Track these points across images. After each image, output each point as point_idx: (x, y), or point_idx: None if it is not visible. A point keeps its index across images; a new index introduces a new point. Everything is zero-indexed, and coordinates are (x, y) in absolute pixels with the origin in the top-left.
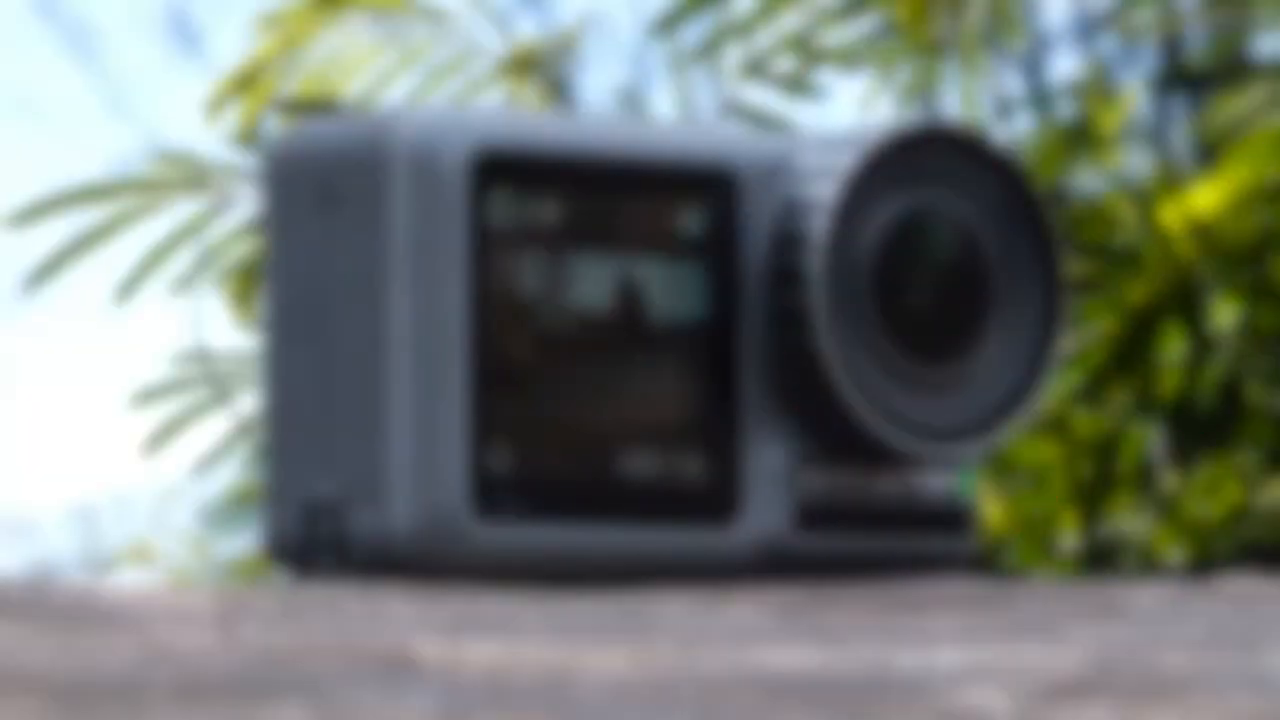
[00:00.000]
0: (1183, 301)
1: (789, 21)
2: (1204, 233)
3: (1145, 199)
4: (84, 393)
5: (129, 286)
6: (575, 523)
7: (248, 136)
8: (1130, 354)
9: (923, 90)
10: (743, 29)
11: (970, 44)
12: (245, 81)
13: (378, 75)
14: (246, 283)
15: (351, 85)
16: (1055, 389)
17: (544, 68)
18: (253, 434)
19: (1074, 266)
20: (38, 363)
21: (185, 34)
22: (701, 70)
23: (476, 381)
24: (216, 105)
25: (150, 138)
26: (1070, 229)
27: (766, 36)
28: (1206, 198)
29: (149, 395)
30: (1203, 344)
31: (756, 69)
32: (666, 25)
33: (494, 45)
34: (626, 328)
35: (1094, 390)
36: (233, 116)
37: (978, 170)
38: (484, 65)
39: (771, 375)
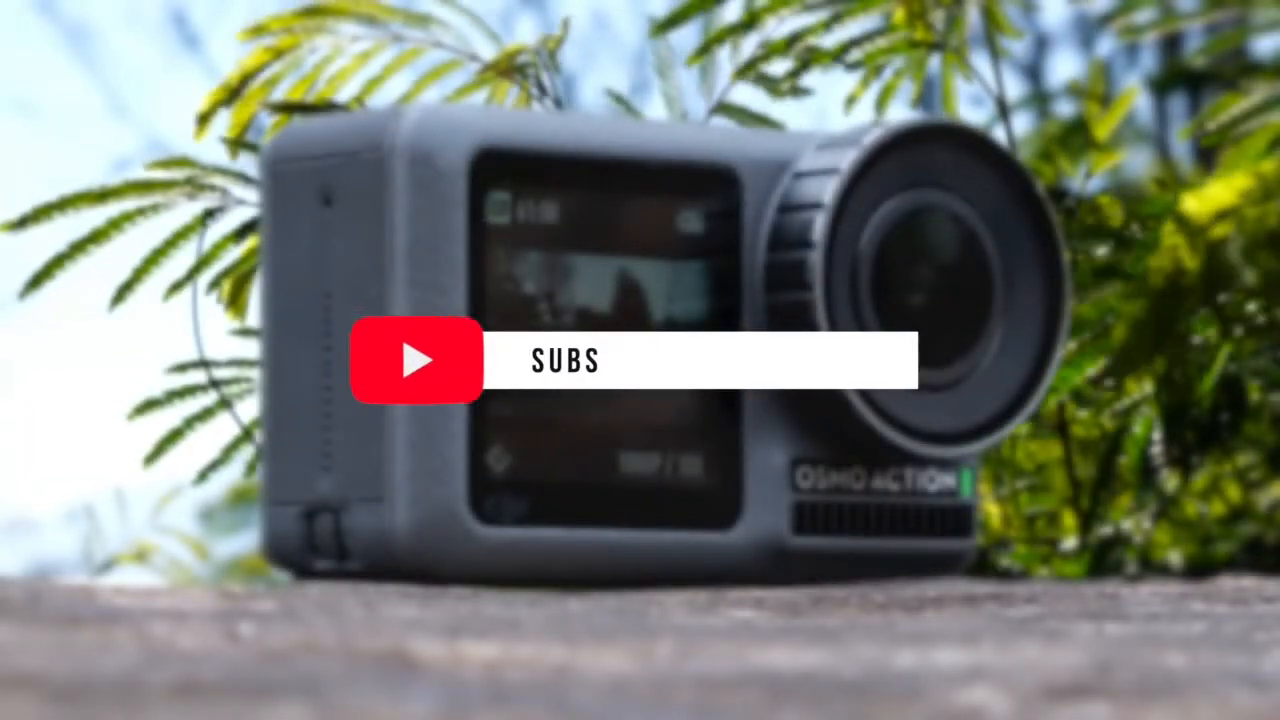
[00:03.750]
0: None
1: (785, 22)
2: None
3: (1173, 191)
4: (84, 392)
5: (126, 288)
6: (575, 525)
7: (239, 144)
8: (1157, 339)
9: (920, 90)
10: (739, 30)
11: (963, 44)
12: (233, 92)
13: (368, 81)
14: (245, 283)
15: (343, 91)
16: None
17: (529, 71)
18: (253, 436)
19: (1082, 256)
20: (38, 363)
21: (185, 34)
22: (698, 71)
23: None
24: (206, 116)
25: (150, 138)
26: (1069, 223)
27: (762, 37)
28: (1225, 190)
29: (148, 406)
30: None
31: (753, 70)
32: (665, 27)
33: (483, 50)
34: (626, 328)
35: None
36: (224, 124)
37: (978, 169)
38: (473, 70)
39: None
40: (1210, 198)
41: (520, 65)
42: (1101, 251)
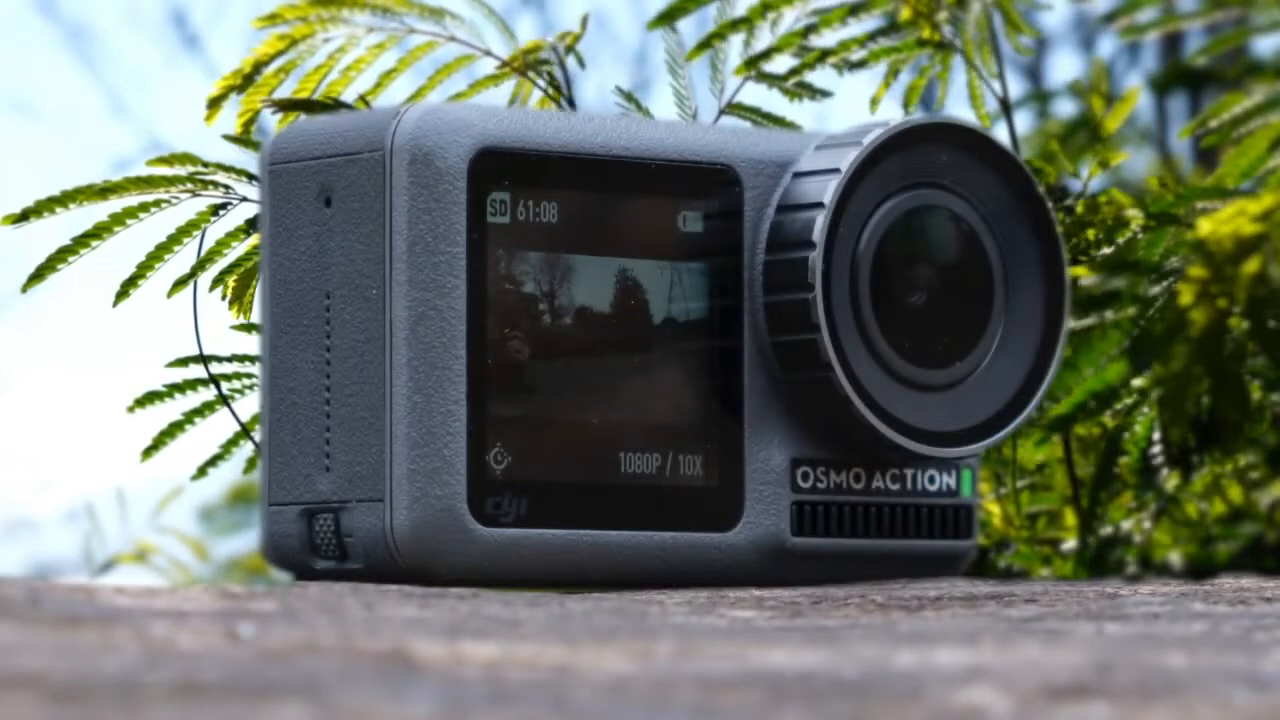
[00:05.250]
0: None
1: (790, 20)
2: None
3: (1185, 217)
4: (84, 391)
5: (128, 286)
6: (575, 525)
7: (247, 136)
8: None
9: (944, 91)
10: (742, 25)
11: (981, 42)
12: (245, 79)
13: (382, 74)
14: (246, 282)
15: (356, 83)
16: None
17: (544, 67)
18: (251, 433)
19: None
20: (38, 362)
21: (185, 34)
22: (709, 70)
23: (476, 381)
24: (216, 103)
25: (150, 138)
26: (1072, 232)
27: (767, 35)
28: (1242, 219)
29: (148, 399)
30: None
31: (757, 68)
32: (665, 19)
33: (496, 46)
34: (626, 328)
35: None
36: (232, 115)
37: (979, 169)
38: (485, 66)
39: (771, 376)
40: (1228, 225)
41: (537, 62)
42: (1106, 251)
